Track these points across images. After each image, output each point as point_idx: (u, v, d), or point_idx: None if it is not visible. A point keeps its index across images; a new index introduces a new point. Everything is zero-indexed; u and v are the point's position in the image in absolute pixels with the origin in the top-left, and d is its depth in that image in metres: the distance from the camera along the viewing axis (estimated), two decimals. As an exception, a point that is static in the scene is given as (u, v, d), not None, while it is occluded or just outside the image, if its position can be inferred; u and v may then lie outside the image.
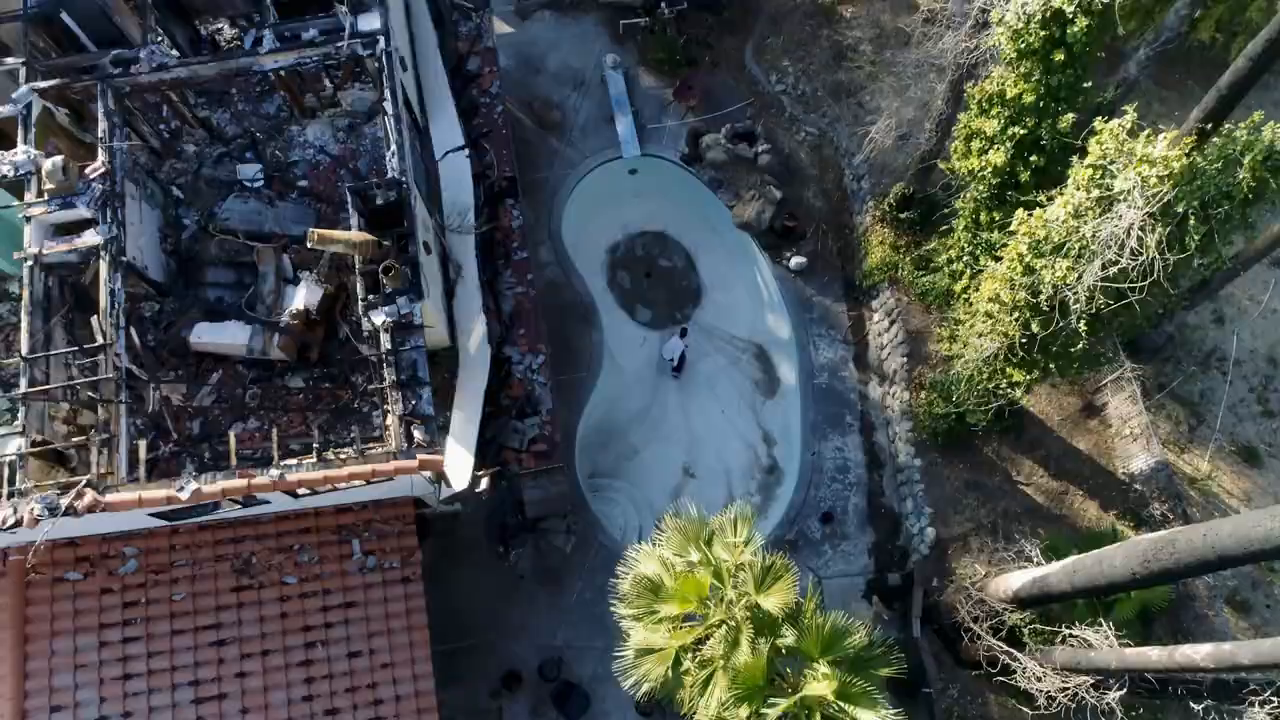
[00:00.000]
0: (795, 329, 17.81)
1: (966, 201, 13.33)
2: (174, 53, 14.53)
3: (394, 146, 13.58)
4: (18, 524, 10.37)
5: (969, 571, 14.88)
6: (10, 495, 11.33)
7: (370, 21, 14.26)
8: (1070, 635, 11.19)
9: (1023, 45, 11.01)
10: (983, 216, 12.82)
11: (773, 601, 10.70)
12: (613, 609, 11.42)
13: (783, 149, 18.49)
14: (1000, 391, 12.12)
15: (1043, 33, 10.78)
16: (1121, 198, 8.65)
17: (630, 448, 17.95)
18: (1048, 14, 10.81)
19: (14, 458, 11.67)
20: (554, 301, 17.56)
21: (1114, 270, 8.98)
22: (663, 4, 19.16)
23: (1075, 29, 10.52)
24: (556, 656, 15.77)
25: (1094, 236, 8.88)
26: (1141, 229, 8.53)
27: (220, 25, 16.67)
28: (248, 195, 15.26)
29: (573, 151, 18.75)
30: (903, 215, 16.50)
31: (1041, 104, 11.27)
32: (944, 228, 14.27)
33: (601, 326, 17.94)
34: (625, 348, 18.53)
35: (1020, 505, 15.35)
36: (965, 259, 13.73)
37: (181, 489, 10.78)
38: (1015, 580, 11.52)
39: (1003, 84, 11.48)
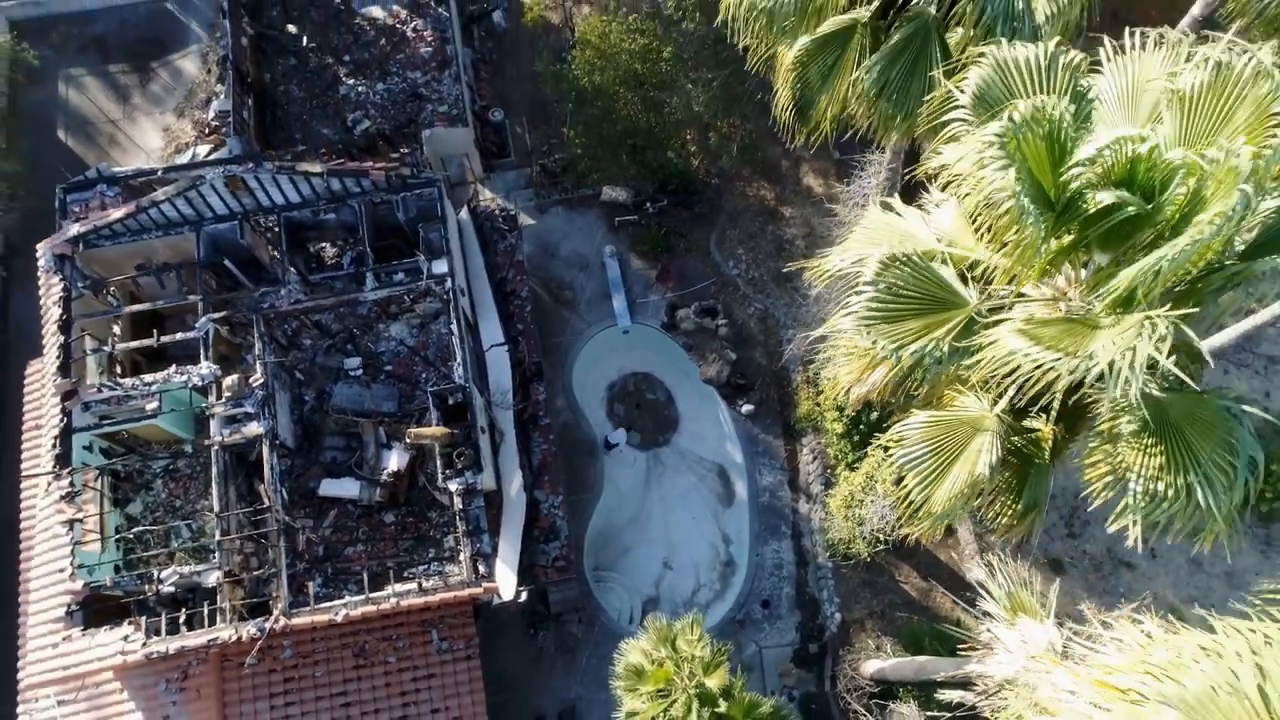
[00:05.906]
0: (745, 457, 23.94)
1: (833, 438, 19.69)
2: (296, 276, 20.73)
3: (459, 358, 19.74)
4: (239, 639, 16.52)
5: (863, 645, 21.07)
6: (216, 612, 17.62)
7: (440, 266, 20.39)
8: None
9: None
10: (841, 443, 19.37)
11: (714, 681, 16.82)
12: (612, 669, 17.32)
13: (737, 320, 24.66)
14: (852, 553, 18.47)
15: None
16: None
17: (624, 547, 24.08)
18: None
19: (216, 585, 17.93)
20: (567, 440, 23.71)
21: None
22: (648, 204, 25.35)
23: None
24: (571, 706, 21.87)
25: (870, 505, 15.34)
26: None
27: (324, 245, 22.86)
28: (351, 381, 21.40)
29: (580, 321, 24.93)
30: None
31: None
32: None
33: (603, 458, 24.10)
34: (620, 468, 24.68)
35: (901, 598, 21.51)
36: (839, 454, 20.24)
37: (337, 613, 16.94)
38: (870, 667, 17.65)
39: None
